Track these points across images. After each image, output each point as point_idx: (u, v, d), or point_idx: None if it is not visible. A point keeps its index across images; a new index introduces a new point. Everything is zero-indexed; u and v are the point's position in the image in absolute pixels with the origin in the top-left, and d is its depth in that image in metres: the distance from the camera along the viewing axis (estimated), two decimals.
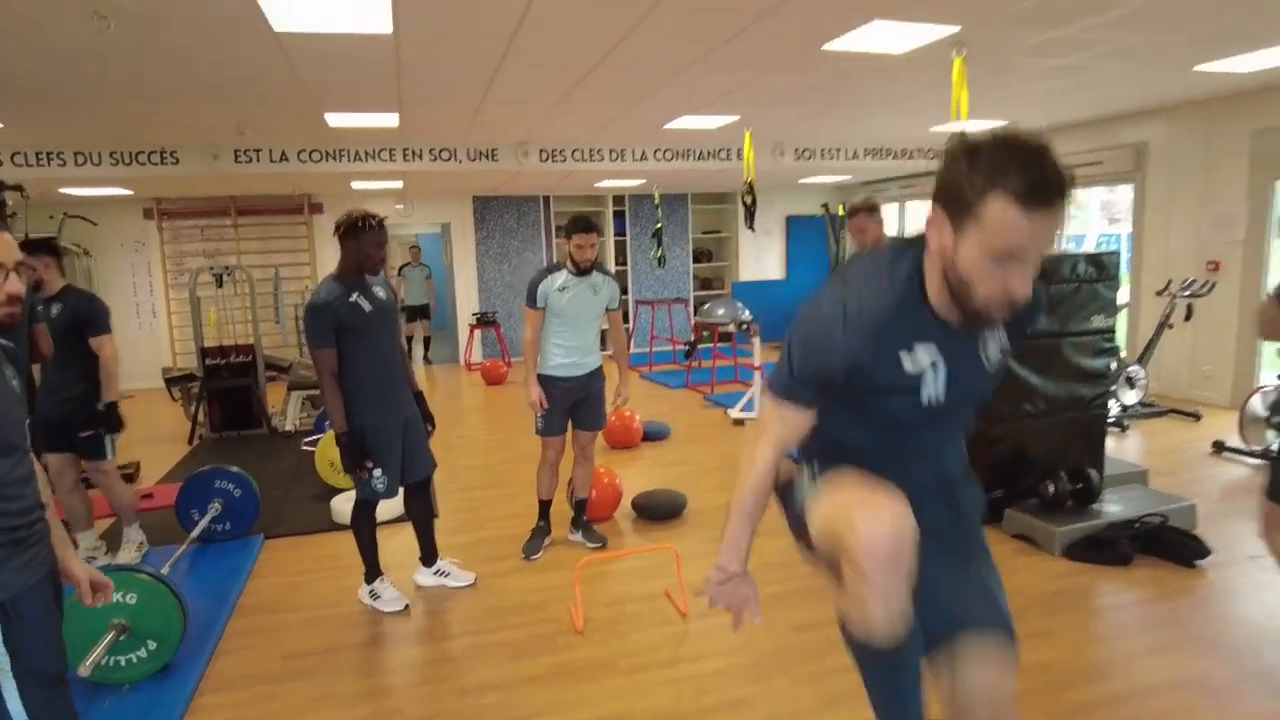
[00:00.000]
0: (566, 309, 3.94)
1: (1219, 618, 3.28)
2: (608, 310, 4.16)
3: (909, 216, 11.42)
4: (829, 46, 4.60)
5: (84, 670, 2.71)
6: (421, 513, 3.76)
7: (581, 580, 3.54)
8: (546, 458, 4.15)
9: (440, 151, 7.76)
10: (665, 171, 9.00)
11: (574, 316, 3.97)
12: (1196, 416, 6.36)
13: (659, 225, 10.46)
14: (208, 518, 4.31)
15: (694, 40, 4.44)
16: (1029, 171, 1.25)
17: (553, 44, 4.45)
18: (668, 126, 7.22)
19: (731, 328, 7.70)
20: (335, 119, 6.24)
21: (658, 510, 4.56)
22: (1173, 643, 3.09)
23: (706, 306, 8.41)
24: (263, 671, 3.09)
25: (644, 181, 10.26)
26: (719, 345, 9.27)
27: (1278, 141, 6.52)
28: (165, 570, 3.64)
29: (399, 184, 9.34)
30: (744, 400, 7.26)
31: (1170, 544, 3.78)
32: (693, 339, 8.77)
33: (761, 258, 12.61)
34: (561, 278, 3.95)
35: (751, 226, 7.41)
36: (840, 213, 11.94)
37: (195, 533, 4.16)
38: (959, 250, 1.34)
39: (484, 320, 10.94)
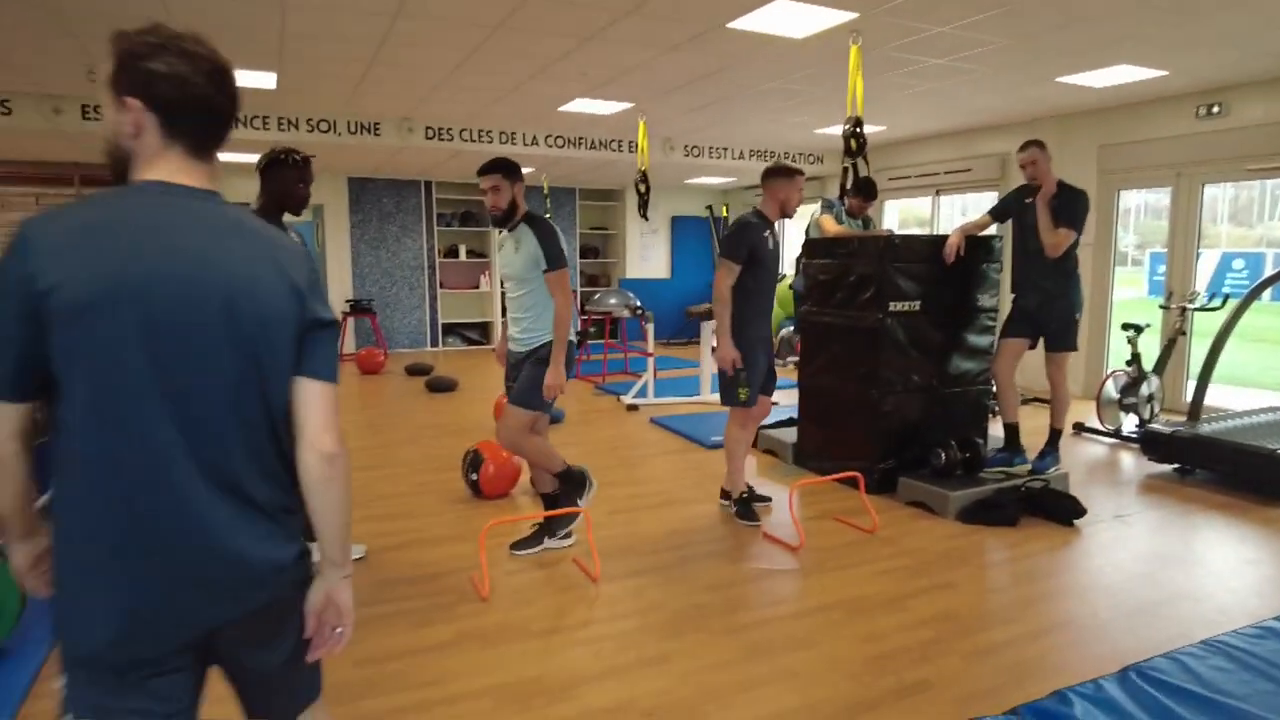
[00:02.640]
0: (500, 268, 3.60)
1: (1096, 566, 3.47)
2: (544, 273, 3.36)
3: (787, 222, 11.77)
4: (734, 24, 4.63)
5: None
6: None
7: (489, 552, 3.34)
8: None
9: (319, 122, 7.31)
10: (556, 159, 8.86)
11: (504, 278, 3.55)
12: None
13: (547, 215, 10.27)
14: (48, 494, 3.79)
15: (598, 7, 4.35)
16: None
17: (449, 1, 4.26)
18: (562, 109, 7.11)
19: (625, 313, 7.64)
20: None
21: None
22: (1060, 588, 3.25)
23: (597, 296, 8.33)
24: None
25: (532, 170, 10.08)
26: (606, 340, 9.21)
27: (1119, 155, 7.16)
28: None
29: None
30: (637, 387, 7.21)
31: (1052, 505, 4.00)
32: (580, 330, 8.66)
33: (647, 256, 12.66)
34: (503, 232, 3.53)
35: (645, 214, 7.41)
36: (724, 214, 12.19)
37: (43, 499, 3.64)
38: None
39: (358, 308, 10.39)
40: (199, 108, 1.20)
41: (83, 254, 1.10)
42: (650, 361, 7.25)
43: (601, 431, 6.13)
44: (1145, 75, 5.88)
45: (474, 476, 4.35)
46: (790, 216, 4.04)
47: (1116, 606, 3.07)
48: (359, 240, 10.85)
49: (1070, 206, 4.33)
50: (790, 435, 5.19)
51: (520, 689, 2.47)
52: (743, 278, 3.82)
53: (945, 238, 4.47)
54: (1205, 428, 4.94)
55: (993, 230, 4.71)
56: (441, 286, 11.39)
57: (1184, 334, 6.35)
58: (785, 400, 7.09)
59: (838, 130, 8.35)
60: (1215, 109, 6.44)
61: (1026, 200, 4.41)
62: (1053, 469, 4.50)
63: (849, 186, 5.05)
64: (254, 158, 6.83)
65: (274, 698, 1.36)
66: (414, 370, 8.90)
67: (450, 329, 11.63)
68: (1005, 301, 4.77)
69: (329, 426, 1.26)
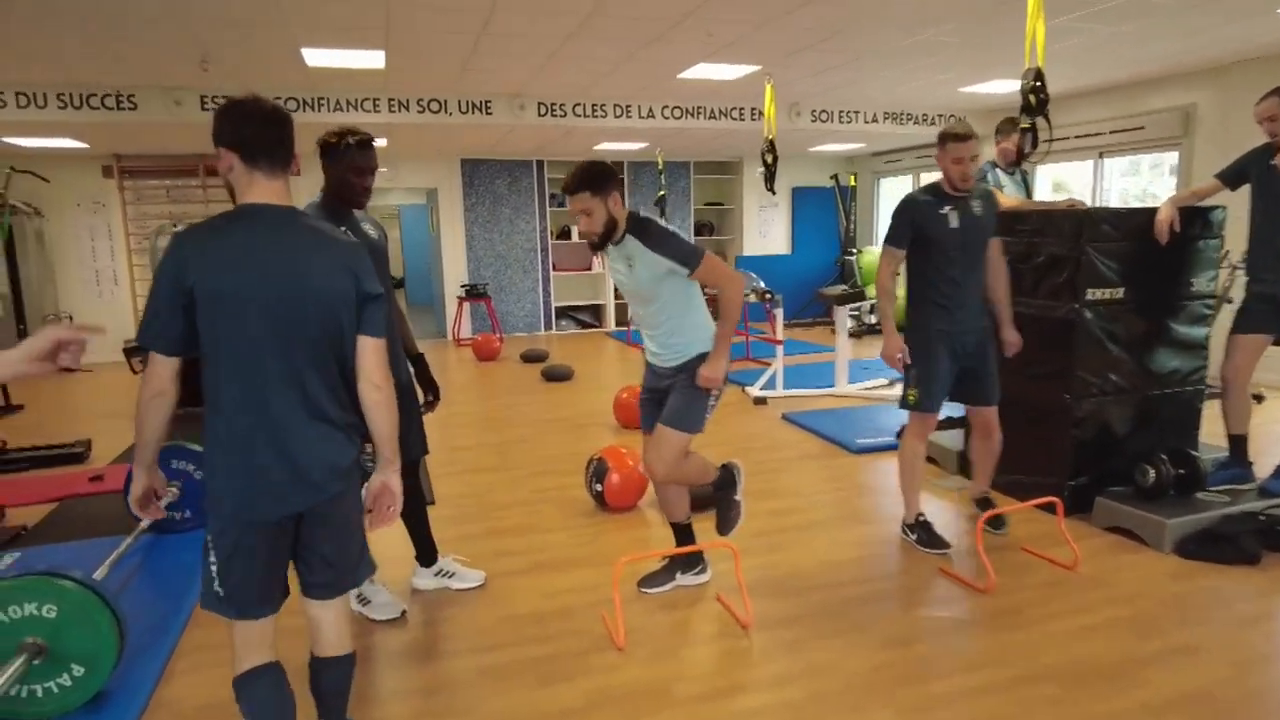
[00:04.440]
0: (618, 285, 2.97)
1: None
2: (689, 276, 2.76)
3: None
4: None
5: None
6: (412, 502, 3.09)
7: (621, 582, 2.92)
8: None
9: (430, 102, 7.05)
10: (672, 131, 8.33)
11: (625, 294, 2.99)
12: (1259, 398, 5.84)
13: (662, 193, 9.78)
14: (162, 503, 3.63)
15: None
16: None
17: None
18: (681, 76, 6.56)
19: (751, 298, 7.07)
20: (314, 56, 5.52)
21: (691, 498, 3.93)
22: None
23: None
24: (225, 699, 2.43)
25: (646, 145, 9.58)
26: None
27: None
28: (103, 570, 3.00)
29: (383, 142, 8.60)
30: (765, 377, 6.66)
31: None
32: None
33: (766, 231, 11.97)
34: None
35: (771, 188, 6.80)
36: (851, 183, 11.35)
37: (145, 523, 3.48)
38: None
39: (473, 293, 10.23)
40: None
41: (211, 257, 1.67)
42: (779, 350, 6.67)
43: (728, 430, 5.61)
44: None
45: (598, 487, 3.95)
46: (956, 191, 3.33)
47: None
48: (472, 223, 10.68)
49: None
50: (953, 440, 4.53)
51: None
52: (915, 262, 3.33)
53: (1154, 211, 3.70)
54: None
55: (1210, 201, 3.88)
56: (554, 269, 11.12)
57: None
58: None
59: (984, 88, 7.47)
60: None
61: (1272, 162, 3.57)
62: None
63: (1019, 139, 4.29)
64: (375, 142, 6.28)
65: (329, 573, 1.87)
66: (529, 357, 8.64)
67: (562, 312, 11.37)
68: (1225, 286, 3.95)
69: (377, 367, 1.82)
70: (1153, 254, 3.71)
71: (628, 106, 7.64)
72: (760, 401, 6.34)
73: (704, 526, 3.29)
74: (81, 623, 2.34)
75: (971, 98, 7.98)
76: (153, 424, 1.75)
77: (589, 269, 11.36)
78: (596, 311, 11.65)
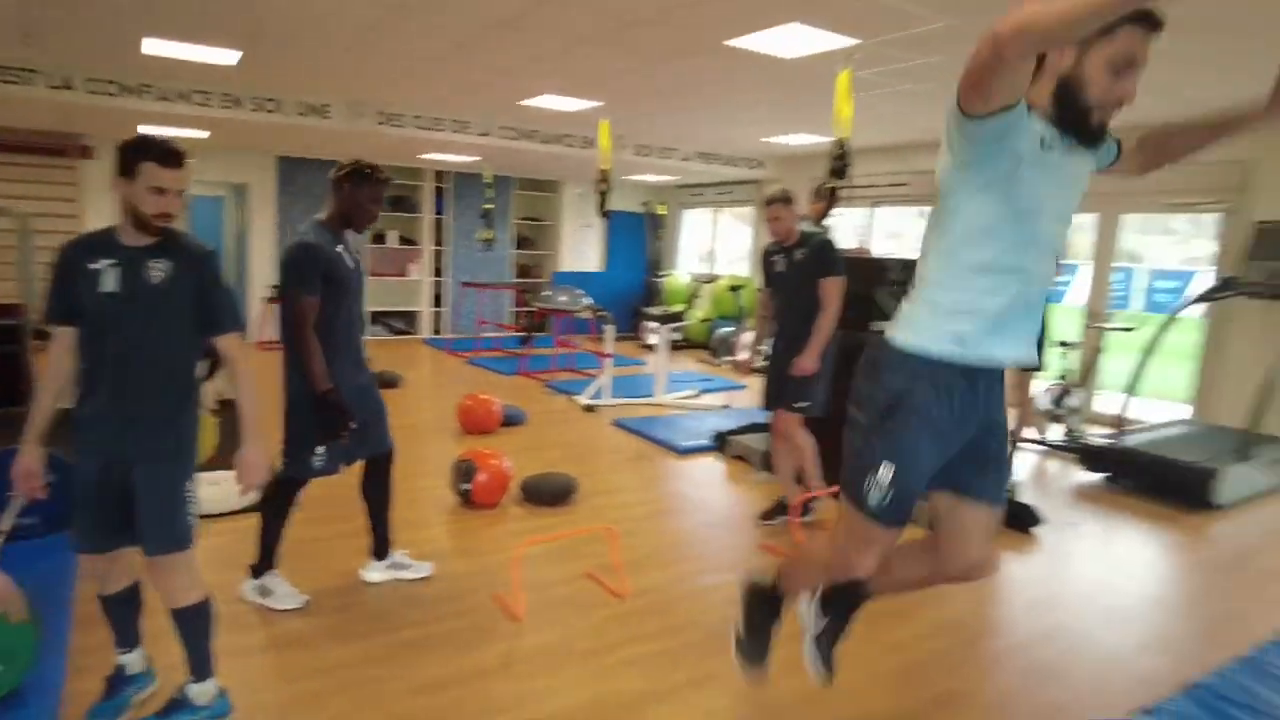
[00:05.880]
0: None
1: (1058, 576, 3.81)
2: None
3: (722, 223, 12.03)
4: (732, 42, 4.71)
5: None
6: (381, 494, 3.36)
7: (501, 568, 3.34)
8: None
9: (265, 101, 6.93)
10: (503, 150, 8.70)
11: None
12: None
13: (489, 206, 10.11)
14: (13, 511, 3.50)
15: (609, 14, 4.35)
16: None
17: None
18: (524, 103, 7.01)
19: (586, 313, 7.63)
20: (154, 46, 5.35)
21: (551, 494, 4.41)
22: (1047, 596, 3.54)
23: (547, 293, 8.28)
24: None
25: (475, 159, 9.87)
26: (543, 334, 9.16)
27: None
28: None
29: (205, 134, 8.19)
30: (594, 387, 7.23)
31: (1012, 513, 4.31)
32: (530, 324, 8.60)
33: (581, 249, 12.61)
34: None
35: (604, 214, 7.41)
36: (660, 212, 12.31)
37: (6, 524, 3.36)
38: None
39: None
40: None
41: None
42: (608, 362, 7.28)
43: (569, 435, 6.12)
44: None
45: (466, 486, 4.30)
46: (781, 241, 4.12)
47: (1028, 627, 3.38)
48: (286, 224, 10.32)
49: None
50: (759, 442, 5.35)
51: (587, 713, 2.51)
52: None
53: None
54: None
55: None
56: (370, 274, 11.01)
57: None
58: (744, 403, 7.29)
59: (783, 139, 8.60)
60: None
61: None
62: None
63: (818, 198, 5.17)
64: (187, 133, 6.34)
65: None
66: None
67: (376, 318, 11.26)
68: None
69: None
70: None
71: (466, 123, 7.93)
72: (590, 409, 6.90)
73: (577, 516, 3.77)
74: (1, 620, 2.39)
75: (771, 146, 9.12)
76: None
77: (403, 275, 11.37)
78: (409, 318, 11.65)
